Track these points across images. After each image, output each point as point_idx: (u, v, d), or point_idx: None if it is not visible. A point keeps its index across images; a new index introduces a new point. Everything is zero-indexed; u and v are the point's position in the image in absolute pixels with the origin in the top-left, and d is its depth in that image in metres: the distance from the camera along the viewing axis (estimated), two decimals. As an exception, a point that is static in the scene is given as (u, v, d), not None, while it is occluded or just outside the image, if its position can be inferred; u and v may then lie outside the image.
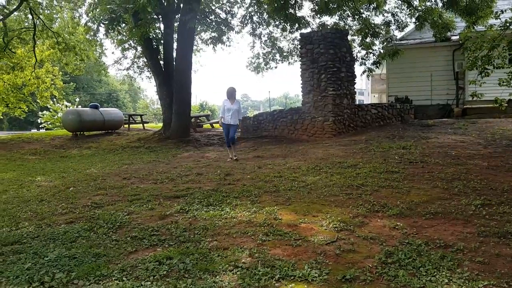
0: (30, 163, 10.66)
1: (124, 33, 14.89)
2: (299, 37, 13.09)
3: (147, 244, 3.86)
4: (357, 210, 4.71)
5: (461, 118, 15.58)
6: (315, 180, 6.39)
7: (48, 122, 22.66)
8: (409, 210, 4.64)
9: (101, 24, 9.91)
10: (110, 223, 4.54)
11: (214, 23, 15.78)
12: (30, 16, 15.57)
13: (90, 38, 17.21)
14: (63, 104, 22.20)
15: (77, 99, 25.91)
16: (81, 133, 15.42)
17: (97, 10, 10.17)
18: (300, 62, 12.95)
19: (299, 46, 12.94)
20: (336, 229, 4.11)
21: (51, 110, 22.61)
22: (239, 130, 15.05)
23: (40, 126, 22.77)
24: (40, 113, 23.12)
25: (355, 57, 13.83)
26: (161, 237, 4.03)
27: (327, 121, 12.21)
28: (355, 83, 13.00)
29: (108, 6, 10.15)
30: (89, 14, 10.04)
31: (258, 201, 5.31)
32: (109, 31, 10.43)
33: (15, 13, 15.95)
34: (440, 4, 14.34)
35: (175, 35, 14.96)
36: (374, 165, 7.16)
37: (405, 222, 4.28)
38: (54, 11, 17.16)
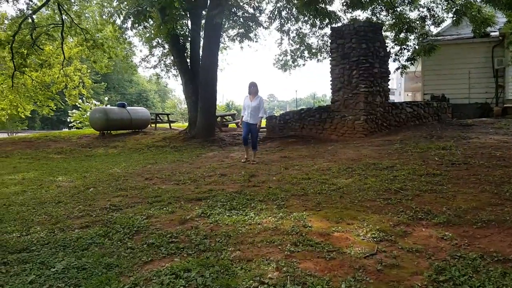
0: (54, 162, 10.58)
1: (153, 30, 14.71)
2: (330, 32, 12.56)
3: (164, 253, 3.50)
4: (398, 218, 4.21)
5: (501, 118, 14.66)
6: (347, 183, 5.90)
7: (78, 121, 22.87)
8: (457, 218, 4.10)
9: (128, 18, 9.71)
10: (127, 228, 4.22)
11: (241, 19, 15.42)
12: (58, 12, 15.60)
13: (119, 36, 17.21)
14: (91, 102, 22.35)
15: (107, 98, 26.03)
16: (108, 132, 15.38)
17: (124, 3, 9.98)
18: (330, 58, 12.41)
19: (329, 41, 12.42)
20: (375, 239, 3.63)
21: (80, 109, 22.81)
22: (264, 129, 14.62)
23: (70, 125, 22.97)
24: (69, 112, 23.36)
25: (389, 53, 13.15)
26: (180, 245, 3.66)
27: (358, 120, 11.63)
28: (389, 79, 12.35)
29: (135, -1, 9.94)
30: (116, 7, 9.86)
31: (285, 206, 4.87)
32: (135, 25, 10.22)
33: (45, 10, 16.06)
34: (479, -2, 13.54)
35: (202, 33, 14.70)
36: (412, 167, 6.60)
37: (454, 231, 3.76)
38: (83, 8, 17.18)
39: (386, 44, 12.54)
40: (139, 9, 9.86)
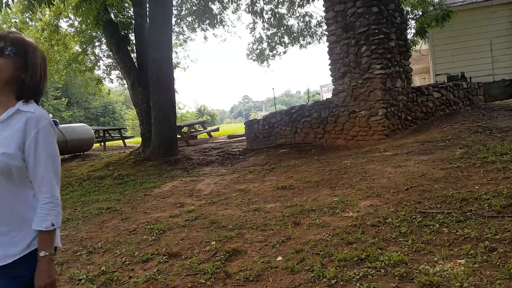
0: None
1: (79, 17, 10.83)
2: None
3: None
4: None
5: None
6: (474, 283, 2.39)
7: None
8: None
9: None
10: None
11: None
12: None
13: (46, 32, 13.37)
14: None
15: (51, 116, 21.75)
16: (36, 160, 11.50)
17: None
18: (327, 33, 8.94)
19: (323, 8, 8.93)
20: None
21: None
22: (242, 137, 11.07)
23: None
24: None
25: (407, 19, 9.81)
26: None
27: (375, 115, 8.22)
28: (410, 55, 8.98)
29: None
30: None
31: None
32: (36, 4, 6.62)
33: None
34: None
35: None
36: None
37: None
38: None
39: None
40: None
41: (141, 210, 5.40)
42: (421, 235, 3.06)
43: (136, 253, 3.59)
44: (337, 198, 4.45)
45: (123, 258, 3.52)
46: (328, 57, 8.93)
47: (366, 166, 5.97)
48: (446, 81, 12.23)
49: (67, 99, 53.26)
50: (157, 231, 4.16)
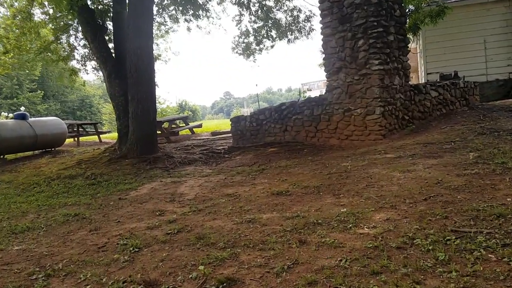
0: None
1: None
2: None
3: None
4: None
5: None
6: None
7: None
8: None
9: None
10: None
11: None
12: None
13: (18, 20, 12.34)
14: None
15: (8, 114, 20.07)
16: (2, 156, 10.55)
17: None
18: (322, 25, 8.33)
19: (319, 4, 8.31)
20: None
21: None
22: (228, 134, 10.48)
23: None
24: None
25: (406, 12, 9.27)
26: None
27: (372, 114, 7.67)
28: (409, 51, 8.47)
29: None
30: None
31: None
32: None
33: None
34: None
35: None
36: None
37: None
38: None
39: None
40: None
41: (113, 218, 4.67)
42: (465, 263, 2.46)
43: (104, 280, 2.88)
44: (345, 209, 3.83)
45: (88, 287, 2.81)
46: (322, 50, 8.34)
47: (369, 169, 5.38)
48: (438, 80, 11.82)
49: (43, 91, 51.48)
50: (131, 249, 3.46)
